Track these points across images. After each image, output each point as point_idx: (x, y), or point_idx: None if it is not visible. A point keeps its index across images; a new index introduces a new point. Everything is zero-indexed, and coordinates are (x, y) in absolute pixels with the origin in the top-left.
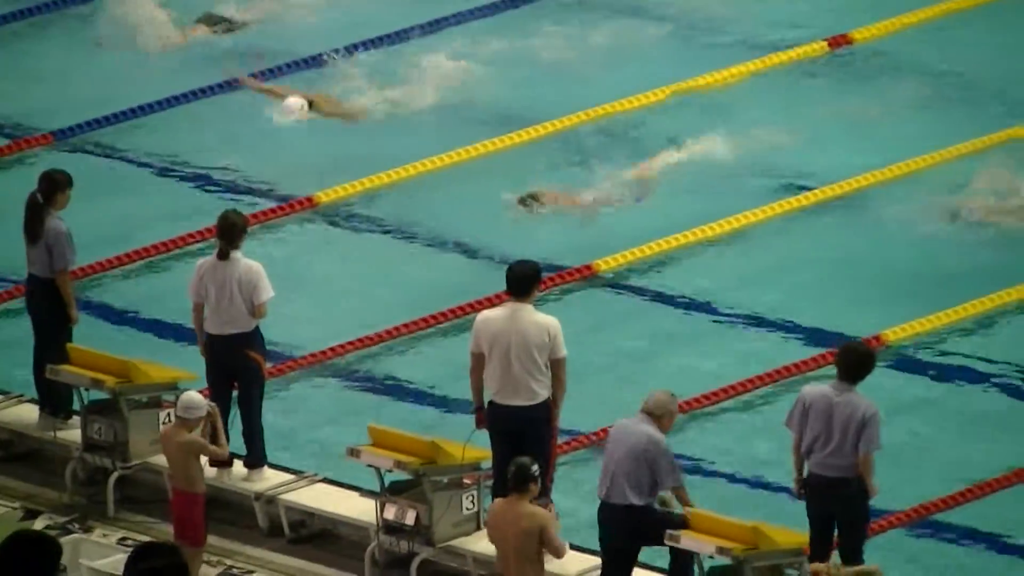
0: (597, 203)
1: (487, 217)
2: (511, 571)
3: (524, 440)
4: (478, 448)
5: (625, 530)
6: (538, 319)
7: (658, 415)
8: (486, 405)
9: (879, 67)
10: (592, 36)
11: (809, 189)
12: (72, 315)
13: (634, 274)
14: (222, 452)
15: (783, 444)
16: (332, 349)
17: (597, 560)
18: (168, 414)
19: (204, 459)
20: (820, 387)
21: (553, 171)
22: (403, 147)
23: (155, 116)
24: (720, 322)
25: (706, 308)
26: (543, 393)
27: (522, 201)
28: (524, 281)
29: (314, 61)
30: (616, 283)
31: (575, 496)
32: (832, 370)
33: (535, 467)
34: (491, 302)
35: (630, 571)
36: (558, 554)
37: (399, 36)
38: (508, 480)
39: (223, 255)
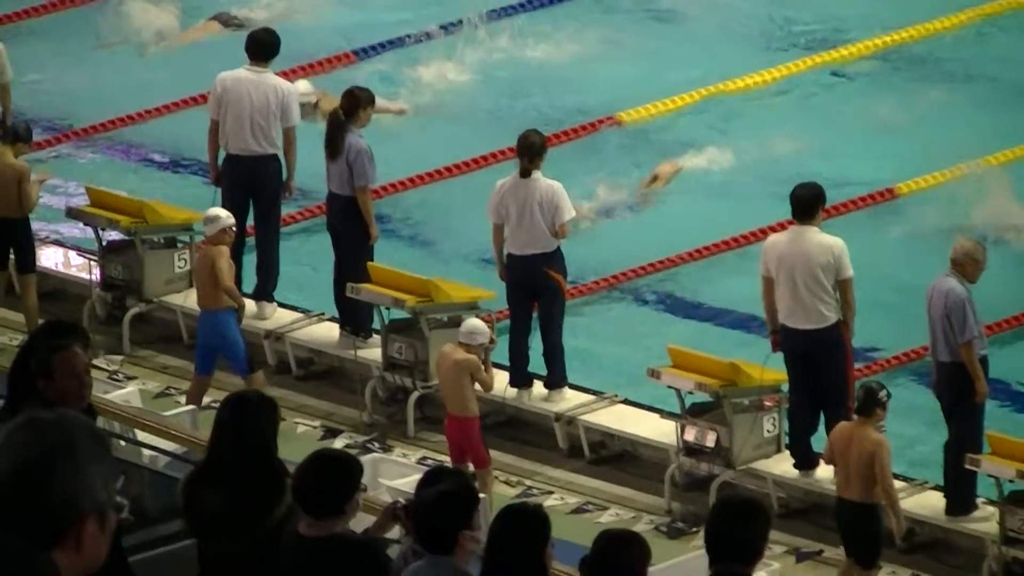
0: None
1: (770, 141)
2: (851, 491)
3: (818, 363)
4: (776, 370)
5: (943, 386)
6: (822, 240)
7: (960, 262)
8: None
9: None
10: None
11: None
12: (373, 233)
13: (933, 200)
14: (490, 382)
15: None
16: (633, 271)
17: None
18: None
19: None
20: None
21: None
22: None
23: (449, 37)
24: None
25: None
26: (832, 315)
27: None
28: (808, 203)
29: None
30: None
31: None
32: None
33: (883, 392)
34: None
35: (951, 428)
36: (885, 484)
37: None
38: (855, 402)
39: (525, 174)
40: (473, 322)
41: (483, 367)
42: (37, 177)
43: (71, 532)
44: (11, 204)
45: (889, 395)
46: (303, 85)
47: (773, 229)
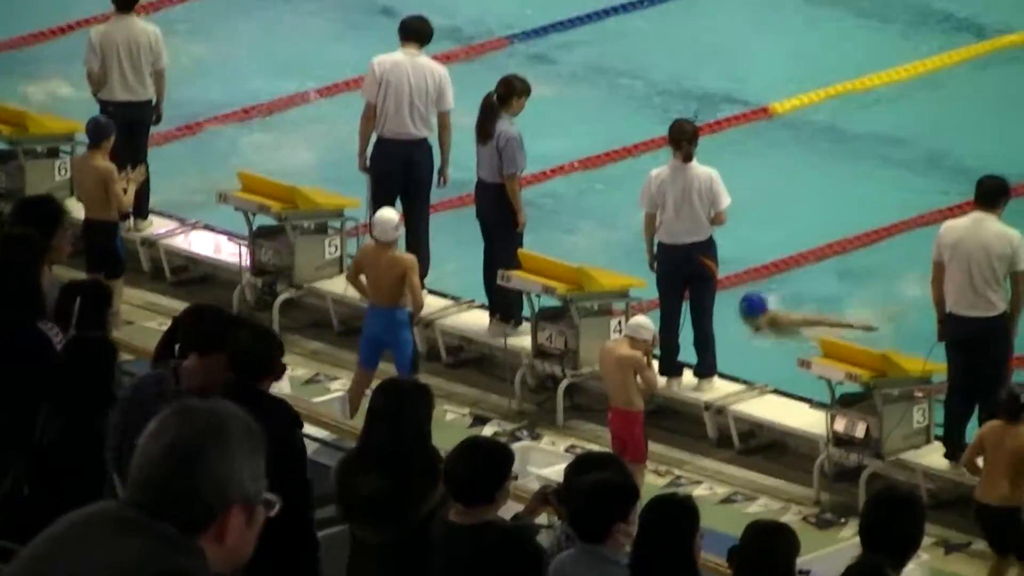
0: None
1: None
2: (993, 494)
3: (980, 352)
4: (937, 362)
5: None
6: (1001, 230)
7: None
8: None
9: None
10: None
11: None
12: (520, 220)
13: None
14: (655, 381)
15: None
16: (784, 260)
17: None
18: (619, 322)
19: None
20: None
21: None
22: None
23: (603, 24)
24: None
25: None
26: (1001, 305)
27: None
28: (993, 192)
29: None
30: None
31: None
32: None
33: None
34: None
35: None
36: None
37: None
38: (1000, 404)
39: (688, 158)
40: (641, 318)
41: (647, 365)
42: (129, 175)
43: (216, 521)
44: (99, 206)
45: (997, 384)
46: None
47: (924, 219)
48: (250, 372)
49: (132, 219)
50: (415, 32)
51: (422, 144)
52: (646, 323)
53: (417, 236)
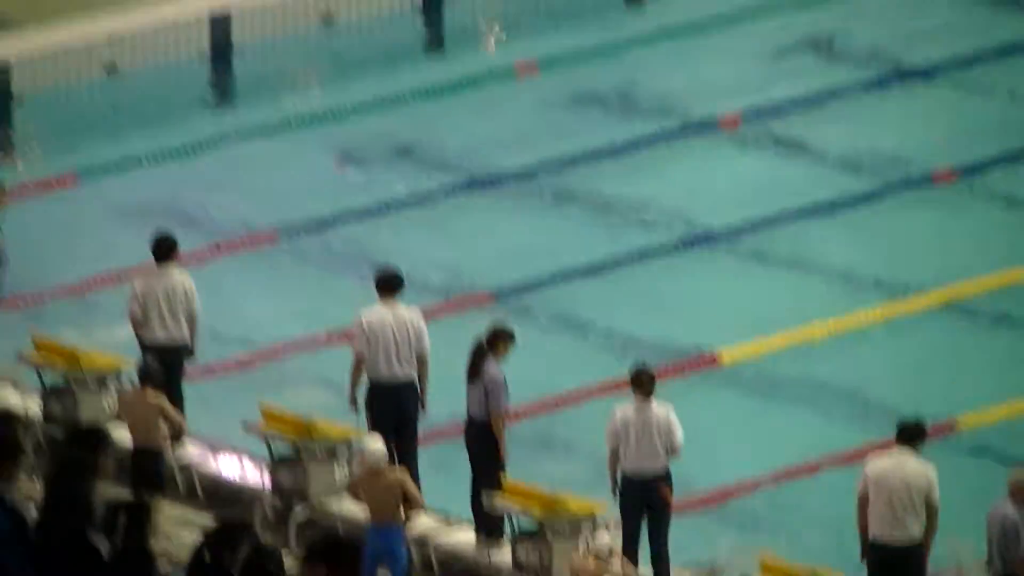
0: None
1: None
2: None
3: (897, 574)
4: None
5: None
6: (919, 465)
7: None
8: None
9: None
10: None
11: None
12: (503, 453)
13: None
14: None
15: None
16: (728, 490)
17: None
18: (586, 541)
19: None
20: None
21: None
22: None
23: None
24: None
25: None
26: (918, 533)
27: None
28: (912, 433)
29: None
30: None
31: None
32: None
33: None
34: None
35: None
36: None
37: None
38: None
39: (647, 394)
40: (602, 536)
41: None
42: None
43: None
44: (147, 435)
45: None
46: None
47: (851, 455)
48: None
49: (171, 443)
50: (389, 286)
51: (409, 385)
52: (608, 541)
53: (408, 466)
